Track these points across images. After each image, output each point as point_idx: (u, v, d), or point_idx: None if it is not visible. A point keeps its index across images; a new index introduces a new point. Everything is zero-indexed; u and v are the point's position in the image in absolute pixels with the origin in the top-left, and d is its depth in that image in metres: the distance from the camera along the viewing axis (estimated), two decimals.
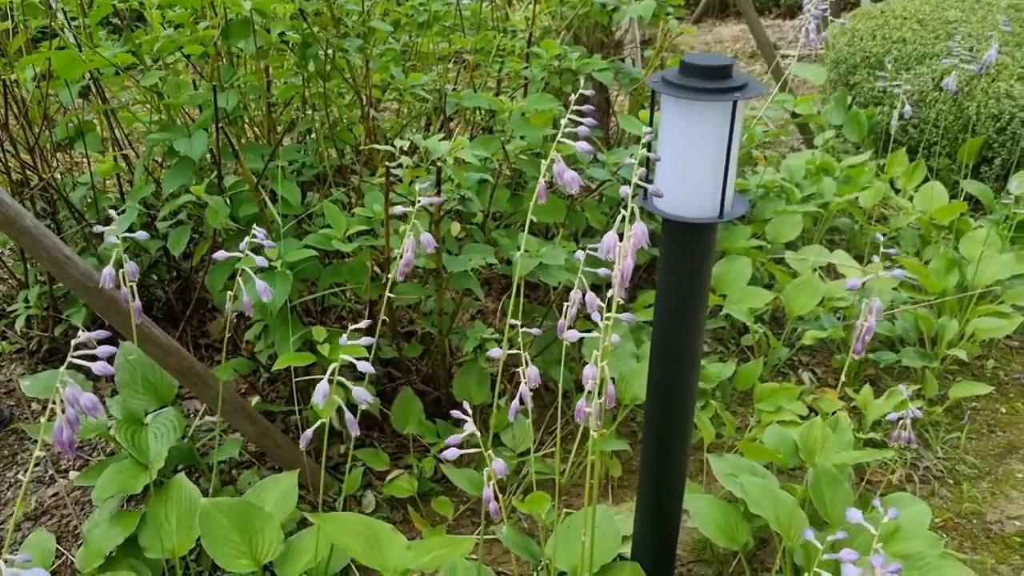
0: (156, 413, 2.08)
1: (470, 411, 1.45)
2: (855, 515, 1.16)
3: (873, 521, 1.90)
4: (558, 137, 1.40)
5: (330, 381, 1.41)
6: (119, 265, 1.63)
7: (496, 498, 1.41)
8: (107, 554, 1.79)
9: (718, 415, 2.45)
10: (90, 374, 2.69)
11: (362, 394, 1.43)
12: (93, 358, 1.36)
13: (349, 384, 1.44)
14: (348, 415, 1.46)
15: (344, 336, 1.46)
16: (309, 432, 1.45)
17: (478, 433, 1.40)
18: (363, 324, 1.50)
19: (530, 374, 1.46)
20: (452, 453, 1.42)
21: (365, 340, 1.48)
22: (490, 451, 1.41)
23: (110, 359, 1.37)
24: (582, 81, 1.74)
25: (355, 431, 1.47)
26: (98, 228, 1.69)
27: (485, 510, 1.67)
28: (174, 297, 2.88)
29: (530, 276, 2.19)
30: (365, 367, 1.43)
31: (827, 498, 1.97)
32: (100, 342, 1.32)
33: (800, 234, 3.20)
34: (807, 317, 2.87)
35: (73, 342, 1.30)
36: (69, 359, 1.31)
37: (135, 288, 1.66)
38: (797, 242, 3.27)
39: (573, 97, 1.46)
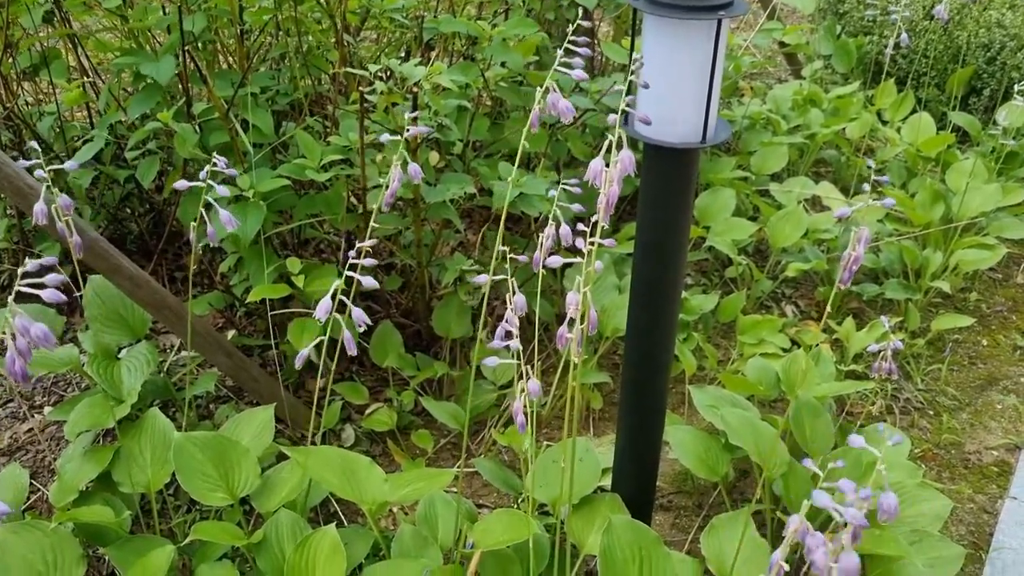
0: (129, 347, 2.04)
1: (518, 325, 1.40)
2: (857, 440, 1.14)
3: (853, 453, 1.91)
4: (554, 65, 1.35)
5: (333, 297, 1.41)
6: (51, 199, 1.57)
7: (525, 412, 1.38)
8: (80, 489, 1.77)
9: (700, 347, 2.44)
10: (63, 309, 2.64)
11: (360, 315, 1.44)
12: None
13: (349, 303, 1.44)
14: (346, 333, 1.46)
15: (352, 252, 1.46)
16: (305, 351, 1.46)
17: (520, 347, 1.35)
18: (370, 243, 1.48)
19: (517, 301, 1.42)
20: (492, 361, 1.37)
21: (369, 261, 1.47)
22: (526, 366, 1.37)
23: (60, 288, 1.31)
24: (564, 4, 1.68)
25: (352, 350, 1.46)
26: (21, 163, 1.62)
27: (465, 443, 1.65)
28: (147, 230, 2.82)
29: (511, 207, 2.14)
30: (370, 282, 1.44)
31: (808, 429, 1.97)
32: (49, 269, 1.26)
33: (786, 166, 3.15)
34: (791, 249, 2.84)
35: (20, 270, 1.24)
36: (16, 288, 1.26)
37: (71, 222, 1.60)
38: (782, 174, 3.23)
39: (558, 27, 1.40)
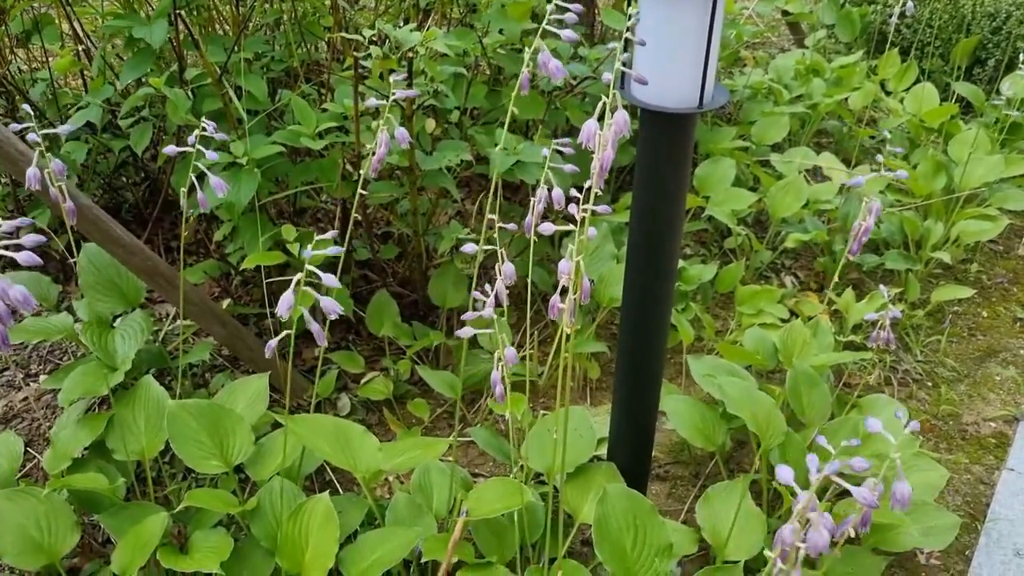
0: (124, 316, 2.03)
1: (494, 292, 1.36)
2: (875, 424, 1.07)
3: (850, 424, 1.90)
4: (543, 25, 1.32)
5: (295, 291, 1.34)
6: (44, 164, 1.54)
7: (503, 382, 1.35)
8: (74, 456, 1.77)
9: (698, 317, 2.42)
10: (58, 277, 2.63)
11: (330, 305, 1.36)
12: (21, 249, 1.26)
13: (317, 295, 1.37)
14: (315, 327, 1.38)
15: (307, 250, 1.39)
16: (273, 342, 1.38)
17: (495, 316, 1.33)
18: (330, 235, 1.42)
19: (506, 270, 1.40)
20: (466, 332, 1.33)
21: (334, 250, 1.39)
22: (503, 334, 1.34)
23: (36, 250, 1.27)
24: None
25: (322, 343, 1.40)
26: (14, 126, 1.59)
27: (460, 413, 1.64)
28: (143, 199, 2.80)
29: (508, 175, 2.12)
30: (331, 281, 1.35)
31: (805, 399, 1.96)
32: (28, 230, 1.23)
33: (787, 136, 3.12)
34: (791, 220, 2.82)
35: None
36: None
37: (64, 187, 1.58)
38: (783, 144, 3.20)
39: None
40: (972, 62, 3.77)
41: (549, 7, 1.32)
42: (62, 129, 1.63)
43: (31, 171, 1.52)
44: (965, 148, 2.98)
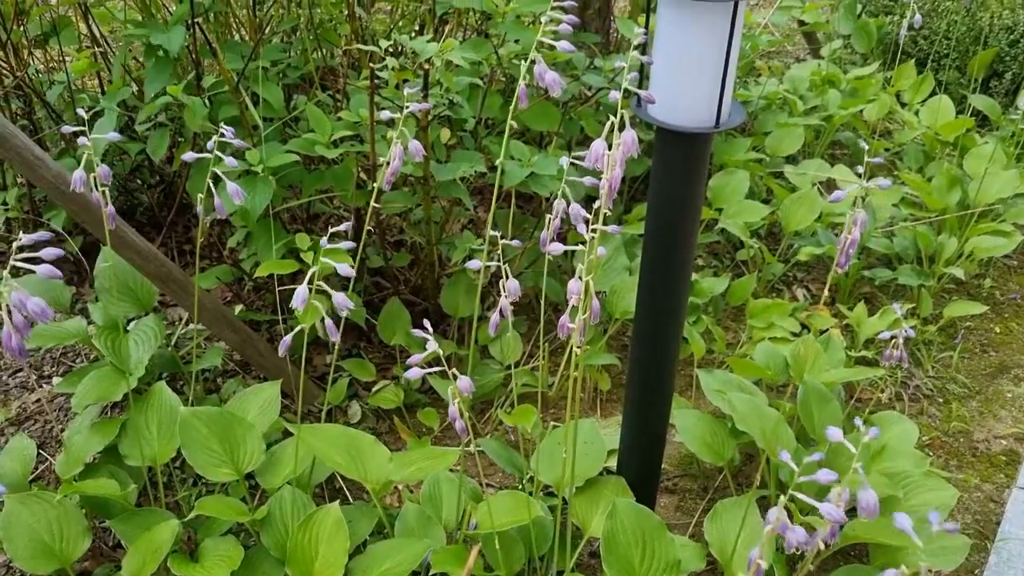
0: (137, 320, 2.04)
1: (430, 328, 1.36)
2: (836, 433, 1.11)
3: (855, 441, 1.89)
4: (537, 37, 1.31)
5: (309, 286, 1.37)
6: (90, 168, 1.55)
7: (461, 415, 1.33)
8: (86, 461, 1.78)
9: (709, 330, 2.42)
10: (73, 279, 2.65)
11: (343, 301, 1.39)
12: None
13: (330, 290, 1.39)
14: (328, 322, 1.41)
15: (324, 240, 1.41)
16: (288, 338, 1.41)
17: (441, 352, 1.31)
18: (344, 227, 1.44)
19: (510, 287, 1.41)
20: (414, 373, 1.31)
21: (346, 244, 1.42)
22: (453, 369, 1.34)
23: (56, 262, 1.28)
24: None
25: (335, 338, 1.43)
26: (66, 128, 1.60)
27: (471, 423, 1.65)
28: (157, 203, 2.81)
29: (521, 186, 2.12)
30: (346, 271, 1.38)
31: (815, 415, 1.96)
32: (45, 244, 1.24)
33: (801, 148, 3.11)
34: (804, 233, 2.81)
35: (15, 244, 1.23)
36: (11, 263, 1.24)
37: (107, 192, 1.59)
38: (798, 156, 3.19)
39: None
40: (989, 75, 3.75)
41: (544, 18, 1.31)
42: (111, 136, 1.63)
43: (77, 174, 1.51)
44: (980, 162, 2.96)
